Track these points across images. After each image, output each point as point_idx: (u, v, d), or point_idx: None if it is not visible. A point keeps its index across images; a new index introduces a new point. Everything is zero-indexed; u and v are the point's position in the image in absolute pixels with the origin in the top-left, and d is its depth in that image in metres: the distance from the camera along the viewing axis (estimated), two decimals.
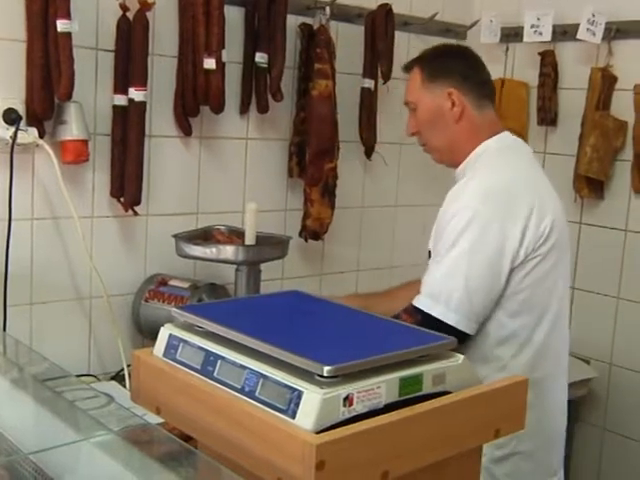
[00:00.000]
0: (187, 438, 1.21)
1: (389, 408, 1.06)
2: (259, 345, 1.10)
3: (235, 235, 2.32)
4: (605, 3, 2.62)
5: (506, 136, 1.94)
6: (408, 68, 1.98)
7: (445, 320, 1.68)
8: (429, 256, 1.86)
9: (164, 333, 1.26)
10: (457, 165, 1.93)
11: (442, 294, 1.70)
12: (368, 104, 2.69)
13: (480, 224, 1.71)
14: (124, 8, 2.14)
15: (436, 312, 1.70)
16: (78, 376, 2.03)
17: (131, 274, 2.35)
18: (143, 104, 2.19)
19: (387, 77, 2.67)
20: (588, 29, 2.62)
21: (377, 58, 2.66)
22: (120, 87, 2.18)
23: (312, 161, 2.51)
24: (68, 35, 1.98)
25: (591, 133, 2.64)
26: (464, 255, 1.71)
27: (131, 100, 2.18)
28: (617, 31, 2.61)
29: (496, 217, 1.72)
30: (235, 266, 2.24)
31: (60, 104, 2.09)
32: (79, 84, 2.04)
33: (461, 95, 1.88)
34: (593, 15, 2.60)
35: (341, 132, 2.61)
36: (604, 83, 2.63)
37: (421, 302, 1.72)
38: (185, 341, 1.22)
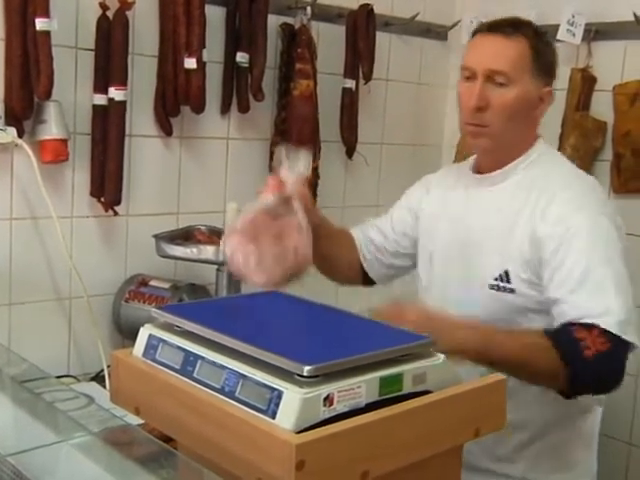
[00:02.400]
0: (167, 439, 1.20)
1: (369, 408, 1.06)
2: (239, 345, 1.10)
3: (216, 235, 2.31)
4: (585, 4, 2.64)
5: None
6: (510, 29, 1.69)
7: (634, 342, 1.54)
8: (504, 277, 1.68)
9: (144, 333, 1.25)
10: (503, 162, 1.75)
11: (622, 314, 1.53)
12: (349, 104, 2.70)
13: (616, 232, 1.62)
14: (104, 7, 2.13)
15: (630, 336, 1.53)
16: (58, 377, 2.02)
17: (111, 274, 2.33)
18: (123, 103, 2.18)
19: (368, 77, 2.68)
20: (568, 30, 2.63)
21: (358, 58, 2.66)
22: (100, 86, 2.17)
23: None
24: (47, 34, 1.97)
25: (571, 133, 2.65)
26: (621, 267, 1.59)
27: (111, 99, 2.16)
28: (596, 32, 2.63)
29: (617, 221, 1.66)
30: (216, 266, 2.24)
31: (39, 103, 2.07)
32: (58, 83, 2.03)
33: (551, 98, 1.74)
34: (573, 16, 2.62)
35: (322, 132, 2.61)
36: (584, 84, 2.65)
37: (611, 325, 1.51)
38: (165, 341, 1.21)
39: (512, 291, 1.67)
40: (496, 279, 1.68)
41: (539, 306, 1.65)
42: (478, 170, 1.83)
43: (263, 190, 1.54)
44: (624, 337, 1.51)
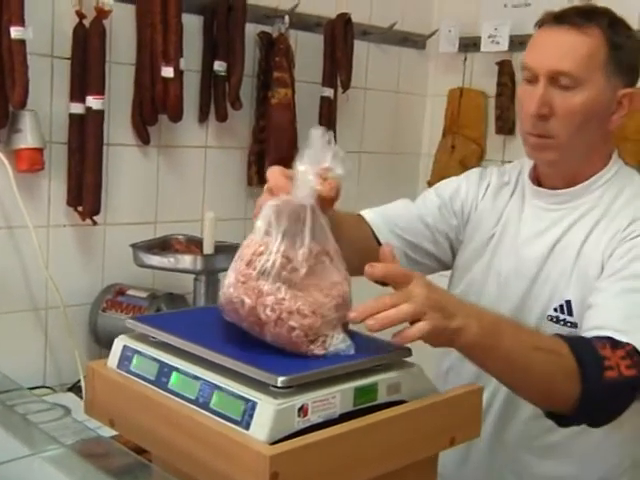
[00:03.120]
0: (141, 451, 1.20)
1: (344, 418, 1.06)
2: (213, 356, 1.09)
3: (194, 244, 2.31)
4: None
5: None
6: (580, 20, 1.43)
7: None
8: (565, 309, 1.48)
9: (118, 344, 1.24)
10: (573, 180, 1.52)
11: None
12: (327, 113, 2.70)
13: None
14: (80, 15, 2.13)
15: None
16: (33, 388, 2.01)
17: (88, 284, 2.32)
18: (101, 112, 2.17)
19: (346, 86, 2.68)
20: None
21: (336, 67, 2.67)
22: (77, 95, 2.16)
23: None
24: (22, 42, 1.96)
25: None
26: None
27: (89, 108, 2.16)
28: None
29: None
30: (194, 275, 2.23)
31: (15, 112, 2.06)
32: (34, 92, 2.02)
33: (632, 102, 1.48)
34: None
35: (301, 140, 2.61)
36: None
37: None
38: (139, 352, 1.20)
39: (574, 325, 1.45)
40: (555, 309, 1.48)
41: None
42: (539, 181, 1.59)
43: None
44: None
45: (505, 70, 2.83)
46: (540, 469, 1.58)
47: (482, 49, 2.82)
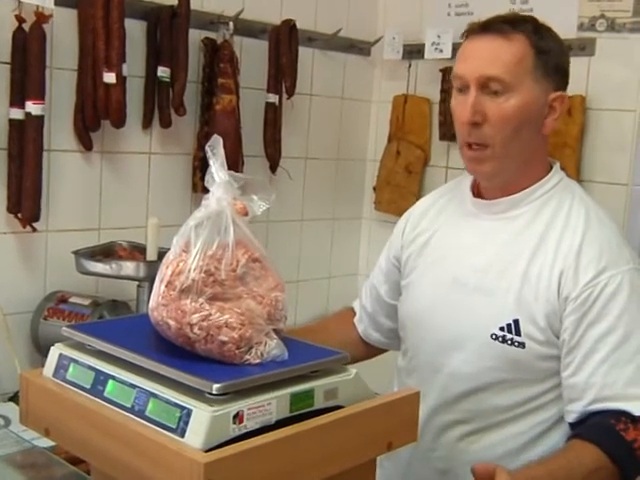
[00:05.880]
0: (79, 461, 1.19)
1: (281, 424, 1.07)
2: (149, 363, 1.09)
3: (137, 251, 2.29)
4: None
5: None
6: (507, 27, 1.45)
7: None
8: (512, 328, 1.46)
9: (54, 353, 1.23)
10: (512, 189, 1.52)
11: None
12: (272, 119, 2.70)
13: None
14: (20, 20, 2.09)
15: None
16: None
17: (30, 291, 2.28)
18: (41, 118, 2.14)
19: (291, 92, 2.68)
20: None
21: (281, 73, 2.67)
22: (16, 100, 2.13)
23: None
24: None
25: None
26: None
27: (28, 114, 2.12)
28: None
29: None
30: (137, 282, 2.21)
31: None
32: None
33: (564, 105, 1.50)
34: None
35: (245, 147, 2.61)
36: None
37: None
38: (75, 360, 1.19)
39: (521, 345, 1.44)
40: (502, 329, 1.45)
41: (547, 367, 1.45)
42: (479, 193, 1.60)
43: None
44: None
45: (448, 77, 2.84)
46: None
47: (426, 56, 2.85)
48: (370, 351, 1.83)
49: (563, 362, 1.43)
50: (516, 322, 1.45)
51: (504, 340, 1.45)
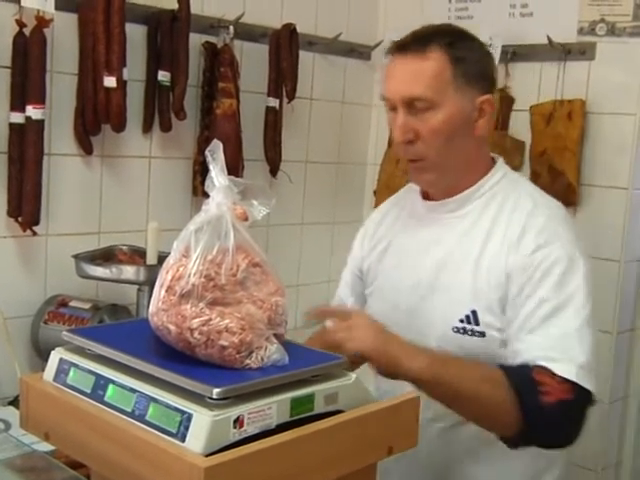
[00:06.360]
0: (79, 466, 1.19)
1: (281, 428, 1.07)
2: (149, 368, 1.09)
3: (137, 255, 2.29)
4: (501, 27, 2.71)
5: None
6: (419, 46, 1.49)
7: (593, 391, 1.43)
8: (471, 319, 1.52)
9: (54, 357, 1.23)
10: (457, 189, 1.58)
11: (584, 361, 1.42)
12: (273, 123, 2.70)
13: (588, 268, 1.49)
14: (20, 24, 2.10)
15: (591, 385, 1.42)
16: None
17: (30, 295, 2.28)
18: (41, 122, 2.14)
19: (291, 96, 2.69)
20: None
21: (282, 77, 2.67)
22: (17, 105, 2.13)
23: None
24: None
25: (491, 152, 2.70)
26: (588, 309, 1.47)
27: (28, 118, 2.13)
28: (513, 54, 2.69)
29: (584, 253, 1.52)
30: (137, 286, 2.22)
31: None
32: None
33: (493, 106, 1.56)
34: (490, 38, 2.67)
35: (246, 151, 2.61)
36: (502, 104, 2.71)
37: (571, 373, 1.40)
38: (75, 365, 1.20)
39: (481, 335, 1.50)
40: (462, 320, 1.52)
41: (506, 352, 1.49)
42: (428, 196, 1.65)
43: None
44: (586, 386, 1.39)
45: None
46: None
47: None
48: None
49: (506, 333, 1.49)
50: (474, 313, 1.51)
51: (465, 331, 1.51)
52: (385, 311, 1.62)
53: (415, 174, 1.59)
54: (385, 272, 1.70)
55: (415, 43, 1.52)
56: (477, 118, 1.53)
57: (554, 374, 1.39)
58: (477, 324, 1.51)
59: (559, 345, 1.42)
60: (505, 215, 1.54)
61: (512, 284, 1.48)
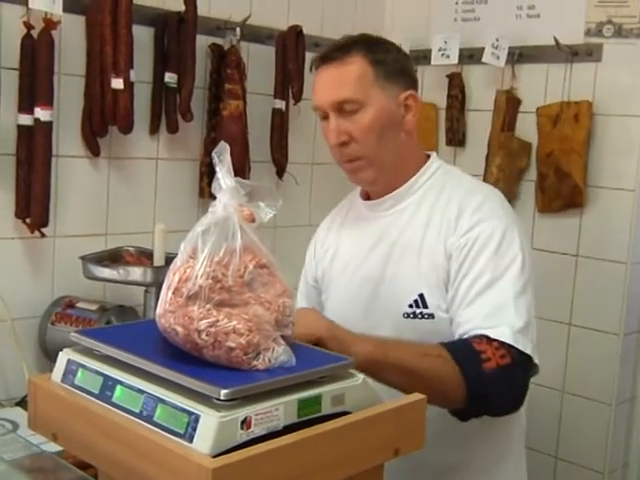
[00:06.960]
0: (87, 466, 1.19)
1: (288, 430, 1.07)
2: (157, 369, 1.10)
3: (144, 256, 2.30)
4: (508, 29, 2.71)
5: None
6: (340, 54, 1.59)
7: (533, 356, 1.49)
8: (419, 303, 1.59)
9: (62, 358, 1.24)
10: (394, 186, 1.67)
11: (519, 326, 1.47)
12: (279, 124, 2.71)
13: (524, 241, 1.57)
14: (28, 26, 2.11)
15: (529, 349, 1.47)
16: None
17: (38, 296, 2.29)
18: (49, 124, 2.15)
19: (298, 98, 2.69)
20: (492, 53, 2.69)
21: (288, 79, 2.68)
22: (25, 106, 2.14)
23: None
24: None
25: (497, 154, 2.71)
26: (525, 280, 1.53)
27: (37, 120, 2.14)
28: (520, 55, 2.70)
29: (521, 230, 1.60)
30: (144, 287, 2.22)
31: None
32: None
33: (417, 101, 1.64)
34: (497, 40, 2.68)
35: (252, 152, 2.61)
36: (509, 105, 2.71)
37: (506, 336, 1.45)
38: (83, 366, 1.20)
39: (431, 316, 1.58)
40: (411, 306, 1.59)
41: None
42: (368, 197, 1.74)
43: None
44: (523, 349, 1.45)
45: (455, 83, 2.87)
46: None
47: (432, 62, 2.86)
48: None
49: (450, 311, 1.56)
50: (421, 296, 1.58)
51: (415, 315, 1.59)
52: (340, 311, 1.68)
53: (353, 174, 1.65)
54: (336, 276, 1.77)
55: (336, 52, 1.61)
56: (404, 114, 1.62)
57: (491, 340, 1.44)
58: (426, 307, 1.58)
59: (495, 313, 1.48)
60: (443, 201, 1.62)
61: (453, 263, 1.56)
